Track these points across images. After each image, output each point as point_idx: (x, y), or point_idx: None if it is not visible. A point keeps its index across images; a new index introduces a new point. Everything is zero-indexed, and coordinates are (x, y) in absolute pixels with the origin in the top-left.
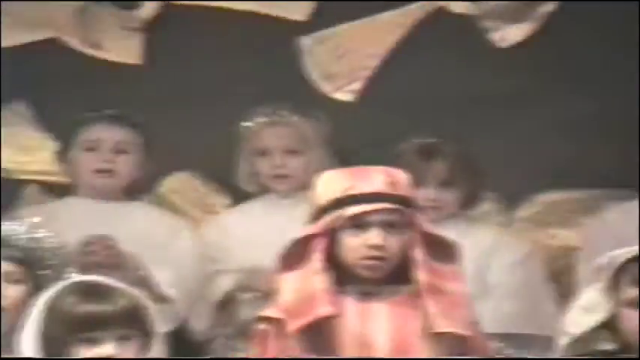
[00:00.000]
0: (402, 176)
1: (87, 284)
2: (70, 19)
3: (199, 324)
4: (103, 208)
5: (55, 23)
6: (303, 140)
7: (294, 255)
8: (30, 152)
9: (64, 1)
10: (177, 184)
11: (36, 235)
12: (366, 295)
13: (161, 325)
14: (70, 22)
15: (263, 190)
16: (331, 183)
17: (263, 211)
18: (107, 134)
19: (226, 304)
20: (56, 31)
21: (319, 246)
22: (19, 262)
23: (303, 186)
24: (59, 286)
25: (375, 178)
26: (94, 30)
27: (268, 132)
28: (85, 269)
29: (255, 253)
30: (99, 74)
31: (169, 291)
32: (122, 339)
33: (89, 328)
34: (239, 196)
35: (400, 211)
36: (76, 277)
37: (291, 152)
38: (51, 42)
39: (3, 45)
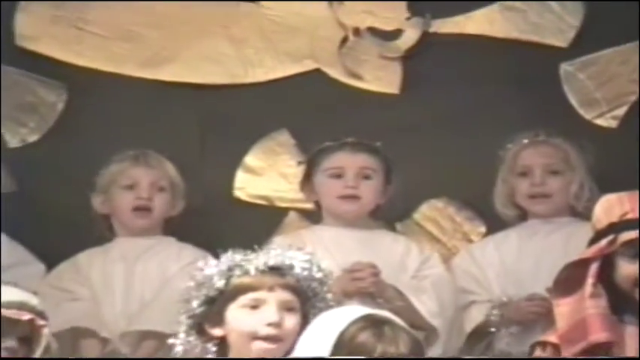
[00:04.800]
0: None
1: (374, 319)
2: (332, 50)
3: (451, 351)
4: (350, 236)
5: (318, 55)
6: (565, 161)
7: (570, 280)
8: (290, 180)
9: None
10: (433, 211)
11: (307, 264)
12: None
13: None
14: (333, 53)
15: (520, 214)
16: (611, 206)
17: (518, 241)
18: (351, 161)
19: (482, 336)
20: (319, 62)
21: (593, 270)
22: (293, 290)
23: (562, 210)
24: (349, 316)
25: None
26: (355, 61)
27: (530, 151)
28: (347, 296)
29: (510, 284)
30: (358, 104)
31: (433, 320)
32: None
33: None
34: (495, 224)
35: None
36: (367, 310)
37: (553, 172)
38: (313, 73)
39: (268, 77)
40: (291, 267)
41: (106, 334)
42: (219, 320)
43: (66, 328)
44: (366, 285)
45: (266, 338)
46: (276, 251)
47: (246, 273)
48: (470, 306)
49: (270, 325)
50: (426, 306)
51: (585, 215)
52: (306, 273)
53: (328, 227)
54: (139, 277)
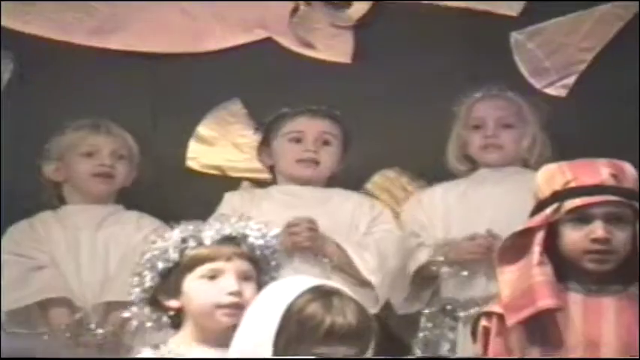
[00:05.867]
0: (628, 169)
1: (323, 290)
2: (284, 19)
3: (398, 297)
4: (303, 194)
5: (268, 24)
6: (518, 115)
7: (515, 248)
8: (243, 150)
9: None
10: (385, 181)
11: (261, 233)
12: (591, 291)
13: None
14: (284, 22)
15: (471, 169)
16: (553, 175)
17: (465, 188)
18: (311, 125)
19: (428, 282)
20: (270, 31)
21: (538, 239)
22: (249, 259)
23: (513, 162)
24: (298, 288)
25: (600, 170)
26: (306, 29)
27: (484, 104)
28: (286, 253)
29: (454, 227)
30: (310, 73)
31: (371, 277)
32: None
33: (331, 340)
34: None
35: (626, 204)
36: (316, 281)
37: (506, 125)
38: (265, 42)
39: (220, 46)
40: (245, 236)
41: (79, 303)
42: (174, 292)
43: (39, 300)
44: (300, 239)
45: (228, 307)
46: (230, 221)
47: (201, 244)
48: (416, 249)
49: (231, 294)
50: (365, 262)
51: (537, 168)
52: (259, 242)
53: (283, 187)
54: (102, 246)
